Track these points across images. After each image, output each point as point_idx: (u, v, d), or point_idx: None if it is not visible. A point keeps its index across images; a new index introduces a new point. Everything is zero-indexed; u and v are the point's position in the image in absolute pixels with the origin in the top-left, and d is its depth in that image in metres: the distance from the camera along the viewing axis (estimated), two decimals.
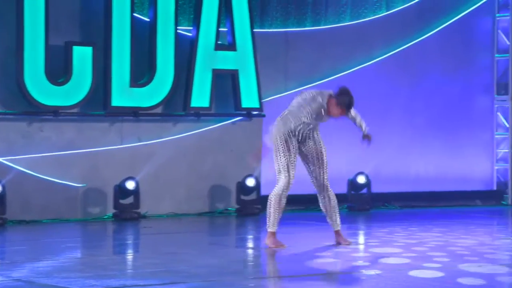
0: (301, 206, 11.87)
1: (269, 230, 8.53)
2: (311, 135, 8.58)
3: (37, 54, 10.76)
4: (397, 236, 9.40)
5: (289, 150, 8.46)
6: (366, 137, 8.74)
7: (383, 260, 7.90)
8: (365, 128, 8.74)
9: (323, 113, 8.53)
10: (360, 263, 7.85)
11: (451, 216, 11.78)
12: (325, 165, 8.61)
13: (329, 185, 8.64)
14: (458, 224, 10.57)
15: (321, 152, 8.61)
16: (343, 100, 8.53)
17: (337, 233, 8.75)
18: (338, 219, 8.71)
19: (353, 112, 8.70)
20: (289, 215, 9.30)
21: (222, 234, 10.45)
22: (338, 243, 8.71)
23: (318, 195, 8.68)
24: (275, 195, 8.49)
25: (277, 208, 8.48)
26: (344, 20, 12.81)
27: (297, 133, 8.52)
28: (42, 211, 10.95)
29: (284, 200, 8.51)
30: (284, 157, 8.45)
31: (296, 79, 12.29)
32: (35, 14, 10.74)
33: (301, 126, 8.50)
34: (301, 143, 8.57)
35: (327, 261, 8.03)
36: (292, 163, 8.47)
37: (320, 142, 8.63)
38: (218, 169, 11.86)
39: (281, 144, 8.47)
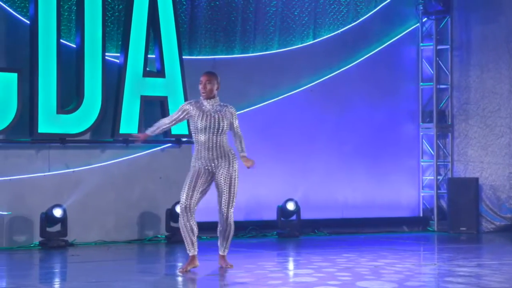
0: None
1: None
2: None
3: None
4: (316, 259, 9.53)
5: None
6: (244, 160, 8.54)
7: (294, 279, 8.18)
8: (243, 151, 8.57)
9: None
10: (273, 282, 7.95)
11: (377, 242, 11.87)
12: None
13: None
14: (379, 250, 10.67)
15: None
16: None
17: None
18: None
19: (237, 129, 8.66)
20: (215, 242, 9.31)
21: (151, 261, 10.31)
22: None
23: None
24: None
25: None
26: (272, 48, 12.90)
27: None
28: None
29: None
30: None
31: None
32: None
33: None
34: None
35: (247, 280, 8.11)
36: None
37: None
38: (147, 196, 11.76)
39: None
